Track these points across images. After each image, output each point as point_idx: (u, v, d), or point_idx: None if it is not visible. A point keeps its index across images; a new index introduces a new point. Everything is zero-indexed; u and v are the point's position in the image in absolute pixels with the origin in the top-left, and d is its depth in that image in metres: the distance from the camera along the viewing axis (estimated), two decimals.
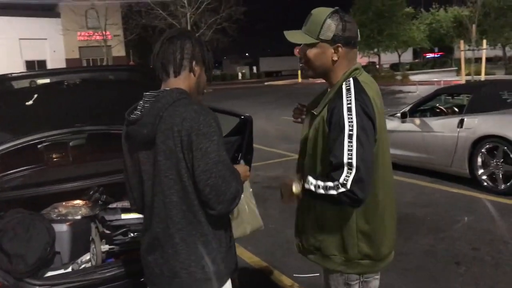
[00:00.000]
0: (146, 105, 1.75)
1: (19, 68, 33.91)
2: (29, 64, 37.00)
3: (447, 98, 7.96)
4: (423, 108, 7.49)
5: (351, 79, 1.82)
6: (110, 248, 2.90)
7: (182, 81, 1.79)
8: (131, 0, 34.86)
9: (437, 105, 7.70)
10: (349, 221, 1.86)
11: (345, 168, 1.67)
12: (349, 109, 1.72)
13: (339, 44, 1.83)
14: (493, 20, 32.27)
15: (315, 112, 1.89)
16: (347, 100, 1.74)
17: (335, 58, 1.85)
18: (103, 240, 2.89)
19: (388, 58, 50.45)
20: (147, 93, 1.79)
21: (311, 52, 1.88)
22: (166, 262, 1.74)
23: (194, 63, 1.80)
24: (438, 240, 4.53)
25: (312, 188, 1.77)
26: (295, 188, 1.87)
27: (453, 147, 6.30)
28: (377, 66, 42.01)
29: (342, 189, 1.68)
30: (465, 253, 4.21)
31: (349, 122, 1.70)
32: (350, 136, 1.68)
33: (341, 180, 1.68)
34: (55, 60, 37.25)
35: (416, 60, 66.05)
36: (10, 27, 35.08)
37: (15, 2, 30.92)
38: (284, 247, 4.57)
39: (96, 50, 37.24)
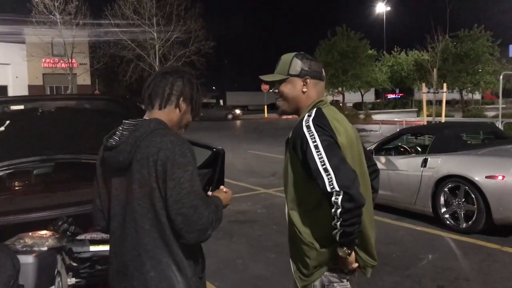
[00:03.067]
0: (124, 132, 1.80)
1: None
2: None
3: (410, 138, 8.21)
4: (388, 146, 7.69)
5: (314, 109, 2.03)
6: (76, 281, 2.81)
7: (165, 114, 1.86)
8: (100, 38, 34.71)
9: (401, 144, 7.93)
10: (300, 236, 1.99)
11: (324, 175, 1.82)
12: (308, 127, 1.93)
13: (307, 76, 2.09)
14: (451, 65, 33.85)
15: (286, 139, 2.09)
16: (306, 121, 1.97)
17: (305, 90, 2.09)
18: (70, 273, 2.80)
19: (351, 97, 51.78)
20: (127, 121, 1.85)
21: (285, 87, 2.12)
22: None
23: (181, 99, 1.88)
24: (403, 278, 4.59)
25: (336, 232, 1.85)
26: (340, 252, 1.92)
27: (417, 185, 6.47)
28: (341, 104, 43.02)
29: (339, 196, 1.78)
30: None
31: (310, 136, 1.90)
32: (316, 147, 1.87)
33: (328, 188, 1.80)
34: (17, 86, 36.41)
35: (378, 100, 68.00)
36: None
37: None
38: (252, 283, 4.51)
39: (61, 77, 36.64)
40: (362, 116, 32.84)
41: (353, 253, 1.96)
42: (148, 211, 1.70)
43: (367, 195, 2.05)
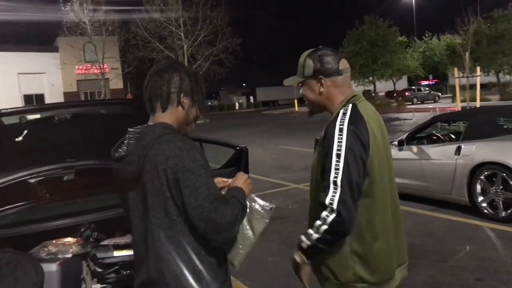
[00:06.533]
0: (131, 141, 1.74)
1: (17, 102, 34.03)
2: (27, 98, 37.16)
3: (443, 125, 7.96)
4: (420, 135, 7.47)
5: (350, 105, 1.92)
6: (101, 287, 2.81)
7: (169, 115, 1.77)
8: (129, 42, 35.27)
9: (434, 132, 7.70)
10: (343, 243, 1.88)
11: (331, 187, 1.76)
12: (341, 130, 1.82)
13: (321, 76, 1.97)
14: (485, 47, 32.71)
15: (317, 138, 1.99)
16: (340, 122, 1.84)
17: (322, 90, 1.99)
18: (95, 279, 2.81)
19: (383, 86, 50.86)
20: (131, 129, 1.78)
21: (305, 91, 2.06)
22: None
23: (182, 95, 1.78)
24: (440, 271, 4.42)
25: (306, 241, 1.85)
26: (297, 256, 1.92)
27: (451, 174, 6.25)
28: (373, 94, 42.31)
29: (331, 215, 1.74)
30: (469, 284, 4.11)
31: (338, 141, 1.80)
32: (338, 156, 1.78)
33: (327, 200, 1.76)
34: (53, 94, 37.45)
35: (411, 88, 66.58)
36: (9, 62, 35.42)
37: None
38: (283, 281, 4.45)
39: (94, 83, 37.49)
40: (395, 105, 32.23)
41: (307, 266, 1.91)
42: (164, 222, 1.66)
43: (388, 188, 1.99)
